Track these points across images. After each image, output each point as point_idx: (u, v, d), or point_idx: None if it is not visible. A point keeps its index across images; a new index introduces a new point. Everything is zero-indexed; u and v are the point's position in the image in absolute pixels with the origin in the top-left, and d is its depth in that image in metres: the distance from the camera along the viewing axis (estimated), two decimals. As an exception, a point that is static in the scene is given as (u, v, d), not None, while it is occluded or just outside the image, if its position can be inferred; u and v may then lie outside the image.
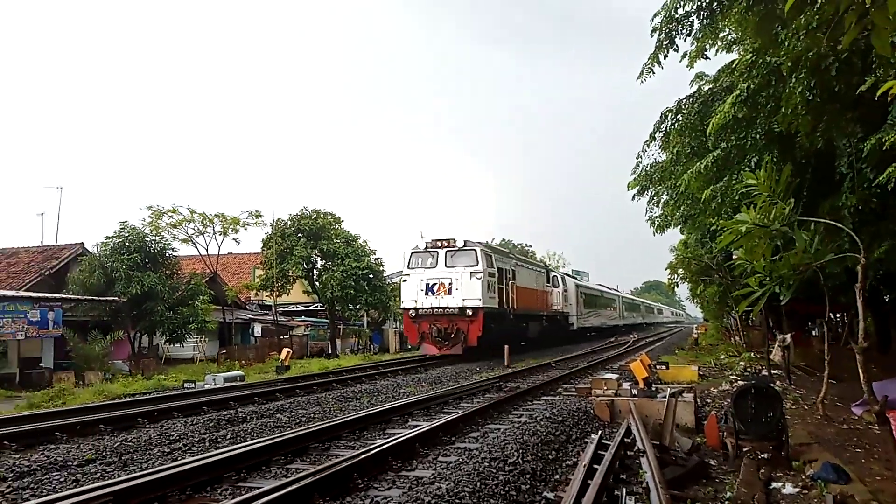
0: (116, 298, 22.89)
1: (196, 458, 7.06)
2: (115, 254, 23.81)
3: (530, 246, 67.98)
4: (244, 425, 9.99)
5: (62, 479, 6.75)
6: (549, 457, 7.67)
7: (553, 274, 35.18)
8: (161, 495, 5.96)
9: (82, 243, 27.66)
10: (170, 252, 26.30)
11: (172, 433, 9.24)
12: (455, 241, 23.20)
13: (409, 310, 23.34)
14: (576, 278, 42.69)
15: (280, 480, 6.28)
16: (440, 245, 23.37)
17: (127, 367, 22.38)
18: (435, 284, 22.84)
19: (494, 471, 6.77)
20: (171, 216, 27.96)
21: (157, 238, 26.06)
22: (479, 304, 22.18)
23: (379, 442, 7.95)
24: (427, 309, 22.85)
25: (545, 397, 12.74)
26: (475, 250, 23.06)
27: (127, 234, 24.60)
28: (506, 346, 21.77)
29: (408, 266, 23.80)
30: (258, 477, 6.90)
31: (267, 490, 5.70)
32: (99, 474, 6.95)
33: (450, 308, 22.51)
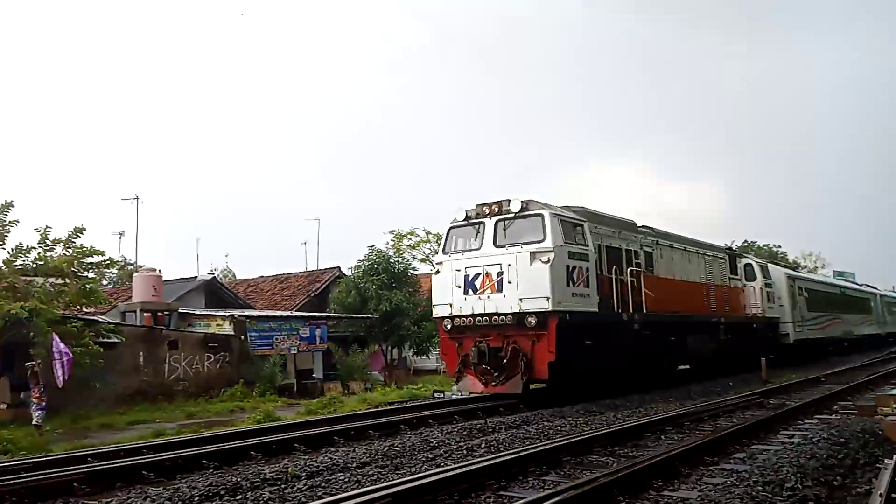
0: (370, 315, 25.38)
1: (458, 465, 7.43)
2: (366, 275, 26.46)
3: (779, 247, 61.46)
4: (495, 435, 10.31)
5: (346, 480, 7.49)
6: (834, 483, 6.81)
7: (745, 261, 23.84)
8: (432, 499, 6.35)
9: (339, 267, 31.19)
10: (411, 271, 28.59)
11: (431, 440, 9.84)
12: (510, 204, 14.04)
13: (443, 319, 14.55)
14: (795, 268, 33.88)
15: (539, 492, 6.34)
16: (488, 212, 14.25)
17: (382, 378, 24.60)
18: (478, 276, 13.94)
19: (770, 495, 6.17)
20: (410, 238, 30.45)
21: (399, 259, 28.54)
22: (545, 305, 12.98)
23: (636, 459, 7.69)
24: (466, 317, 14.05)
25: (818, 416, 11.39)
26: (541, 215, 13.63)
27: (375, 257, 27.27)
28: (762, 359, 18.79)
29: (442, 250, 15.15)
30: (517, 487, 7.03)
31: (529, 502, 5.81)
32: (375, 476, 7.60)
33: (498, 315, 13.53)
